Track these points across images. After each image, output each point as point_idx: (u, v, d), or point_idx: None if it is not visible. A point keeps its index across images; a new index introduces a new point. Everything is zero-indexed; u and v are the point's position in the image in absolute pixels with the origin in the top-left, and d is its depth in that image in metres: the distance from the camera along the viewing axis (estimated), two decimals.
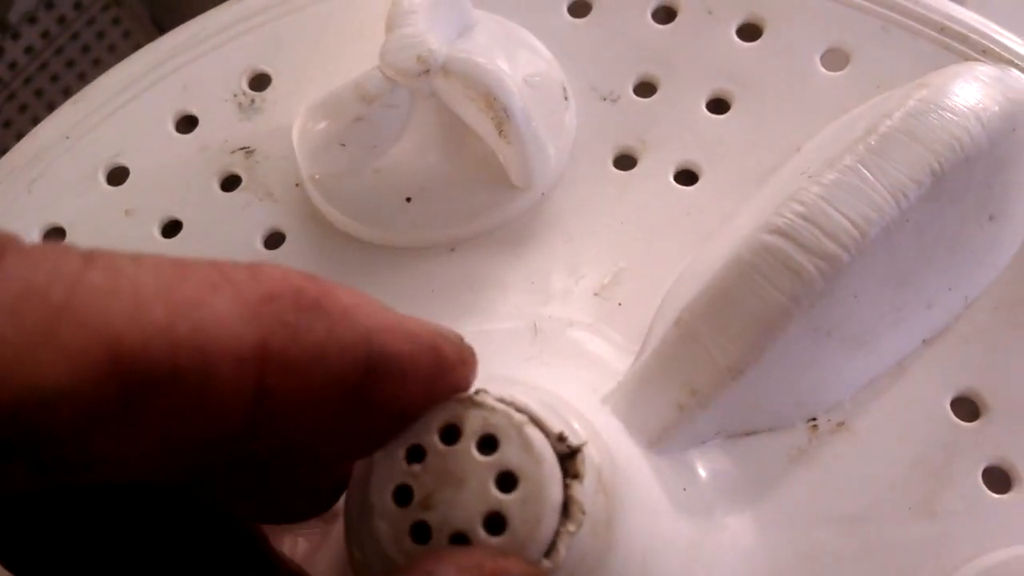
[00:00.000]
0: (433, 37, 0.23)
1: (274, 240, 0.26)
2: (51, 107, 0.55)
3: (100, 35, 0.57)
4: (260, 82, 0.28)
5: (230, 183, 0.26)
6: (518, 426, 0.15)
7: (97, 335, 0.10)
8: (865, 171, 0.19)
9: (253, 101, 0.27)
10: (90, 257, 0.11)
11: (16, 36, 0.54)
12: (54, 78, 0.57)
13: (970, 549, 0.20)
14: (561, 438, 0.15)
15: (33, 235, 0.26)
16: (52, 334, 0.10)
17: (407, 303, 0.24)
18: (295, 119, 0.26)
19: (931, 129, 0.20)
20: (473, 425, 0.15)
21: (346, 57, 0.27)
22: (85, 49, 0.58)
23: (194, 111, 0.27)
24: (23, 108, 0.56)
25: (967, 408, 0.21)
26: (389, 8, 0.24)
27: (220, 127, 0.27)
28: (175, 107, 0.27)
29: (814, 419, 0.21)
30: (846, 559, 0.20)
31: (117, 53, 0.58)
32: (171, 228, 0.26)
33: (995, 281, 0.22)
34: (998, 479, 0.21)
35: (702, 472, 0.20)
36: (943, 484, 0.21)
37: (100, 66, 0.57)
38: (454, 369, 0.14)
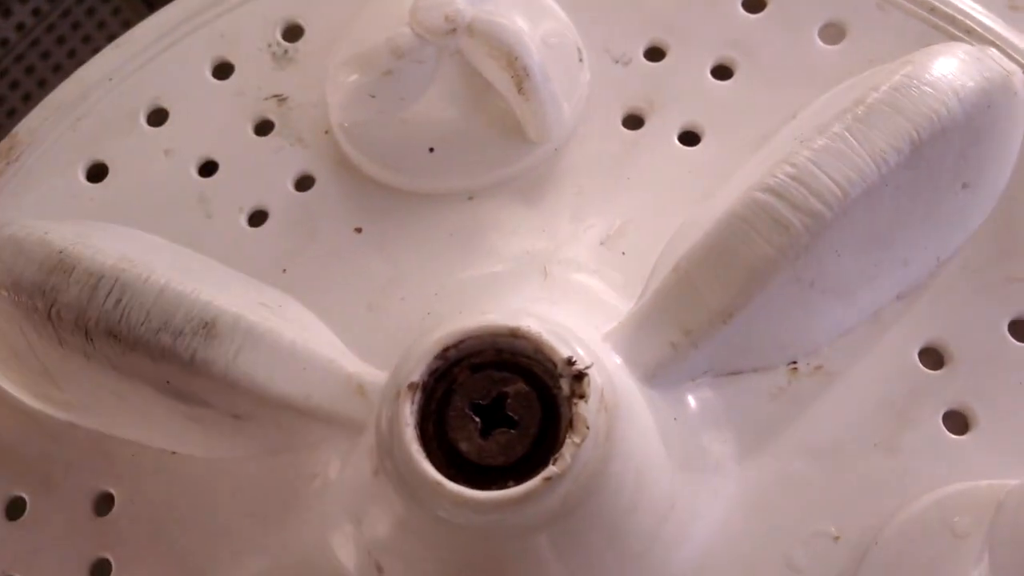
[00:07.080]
0: None
1: (304, 183, 0.27)
2: (42, 84, 0.56)
3: (90, 12, 0.59)
4: (293, 33, 0.29)
5: (263, 128, 0.28)
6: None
7: None
8: (851, 138, 0.21)
9: (286, 51, 0.29)
10: None
11: (8, 13, 0.55)
12: (45, 55, 0.58)
13: (928, 483, 0.22)
14: (570, 362, 0.18)
15: (77, 170, 0.28)
16: None
17: (426, 246, 0.26)
18: (327, 71, 0.27)
19: (912, 102, 0.22)
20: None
21: (376, 14, 0.28)
22: (75, 26, 0.59)
23: (230, 59, 0.29)
24: (14, 85, 0.58)
25: (933, 357, 0.24)
26: None
27: (255, 75, 0.29)
28: (212, 54, 0.29)
29: (795, 362, 0.23)
30: (816, 486, 0.22)
31: (106, 30, 0.59)
32: (207, 168, 0.28)
33: (965, 243, 0.24)
34: (957, 422, 0.23)
35: (691, 404, 0.22)
36: (907, 425, 0.23)
37: (89, 43, 0.58)
38: None
